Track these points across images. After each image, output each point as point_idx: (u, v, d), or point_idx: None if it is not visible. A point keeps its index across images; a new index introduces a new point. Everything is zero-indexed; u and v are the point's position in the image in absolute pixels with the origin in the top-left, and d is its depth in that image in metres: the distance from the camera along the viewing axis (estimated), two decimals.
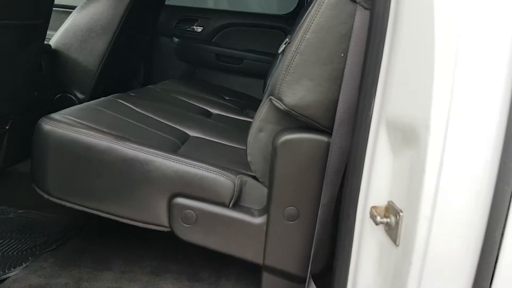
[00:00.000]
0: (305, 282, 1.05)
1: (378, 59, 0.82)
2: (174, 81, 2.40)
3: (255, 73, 2.52)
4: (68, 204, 1.10)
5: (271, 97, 1.04)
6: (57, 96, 1.97)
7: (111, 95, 1.60)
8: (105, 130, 1.12)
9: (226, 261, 1.26)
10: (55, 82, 1.94)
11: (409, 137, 0.75)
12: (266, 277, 1.08)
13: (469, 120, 0.68)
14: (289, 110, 1.00)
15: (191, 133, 1.47)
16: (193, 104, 1.94)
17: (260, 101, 1.17)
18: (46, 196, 1.10)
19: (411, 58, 0.76)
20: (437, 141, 0.69)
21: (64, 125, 1.08)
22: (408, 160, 0.76)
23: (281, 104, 1.00)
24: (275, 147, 1.02)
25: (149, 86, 2.12)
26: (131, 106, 1.50)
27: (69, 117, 1.14)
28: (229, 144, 1.44)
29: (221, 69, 2.65)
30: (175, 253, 1.33)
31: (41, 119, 1.08)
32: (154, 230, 1.16)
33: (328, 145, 0.98)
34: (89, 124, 1.13)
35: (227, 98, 2.31)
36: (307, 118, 1.00)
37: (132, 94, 1.75)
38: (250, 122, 1.16)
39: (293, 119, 1.04)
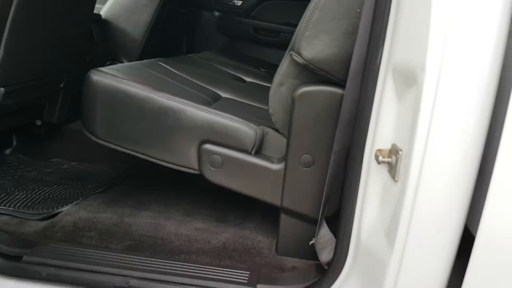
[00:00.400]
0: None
1: (385, 12, 0.89)
2: (214, 52, 2.52)
3: None
4: (112, 146, 1.25)
5: (291, 52, 1.12)
6: (107, 63, 2.15)
7: (154, 59, 1.74)
8: (145, 82, 1.26)
9: (251, 207, 1.38)
10: (105, 50, 2.11)
11: (410, 80, 0.82)
12: (283, 218, 1.18)
13: (461, 62, 0.74)
14: (307, 63, 1.08)
15: (223, 94, 1.58)
16: (229, 72, 2.05)
17: None
18: (94, 138, 1.25)
19: (414, 10, 0.82)
20: (432, 80, 0.76)
21: (110, 76, 1.22)
22: (410, 103, 0.83)
23: (300, 58, 1.08)
24: (294, 98, 1.10)
25: (189, 54, 2.26)
26: (170, 68, 1.64)
27: (114, 70, 1.28)
28: (257, 105, 1.54)
29: (260, 42, 2.74)
30: (206, 198, 1.47)
31: (90, 71, 1.23)
32: (188, 179, 1.29)
33: (342, 97, 1.03)
34: (132, 77, 1.27)
35: (263, 70, 2.40)
36: (323, 71, 1.08)
37: (173, 59, 1.89)
38: None
39: (311, 74, 1.12)
